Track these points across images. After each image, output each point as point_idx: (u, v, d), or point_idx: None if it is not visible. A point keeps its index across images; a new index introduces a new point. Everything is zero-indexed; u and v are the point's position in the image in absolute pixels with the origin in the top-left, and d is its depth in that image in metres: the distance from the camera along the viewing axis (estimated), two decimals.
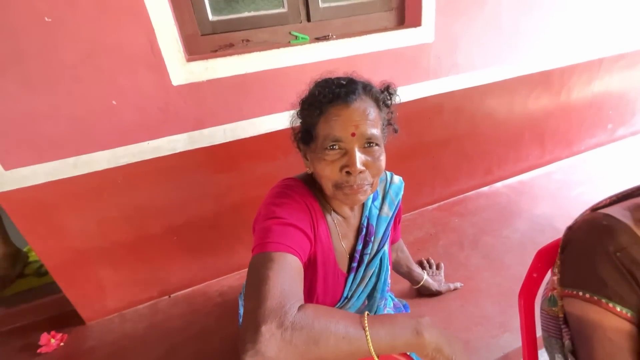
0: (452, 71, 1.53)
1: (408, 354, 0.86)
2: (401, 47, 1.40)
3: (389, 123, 0.75)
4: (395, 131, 0.77)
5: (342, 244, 0.80)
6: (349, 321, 0.51)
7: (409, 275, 1.23)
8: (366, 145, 0.66)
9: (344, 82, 0.68)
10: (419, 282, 1.24)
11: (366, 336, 0.50)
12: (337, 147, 0.65)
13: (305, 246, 0.66)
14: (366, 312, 0.55)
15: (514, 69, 1.67)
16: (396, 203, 0.88)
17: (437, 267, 1.40)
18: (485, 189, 1.94)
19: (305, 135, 0.71)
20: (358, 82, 0.69)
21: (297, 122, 0.75)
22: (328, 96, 0.66)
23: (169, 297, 1.46)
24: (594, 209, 0.70)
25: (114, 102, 1.08)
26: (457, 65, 1.52)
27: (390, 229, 0.86)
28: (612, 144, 2.25)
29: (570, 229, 0.70)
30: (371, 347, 0.50)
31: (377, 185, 0.71)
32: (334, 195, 0.68)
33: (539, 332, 0.87)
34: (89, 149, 1.11)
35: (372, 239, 0.83)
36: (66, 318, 1.38)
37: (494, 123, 1.79)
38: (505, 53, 1.61)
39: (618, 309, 0.57)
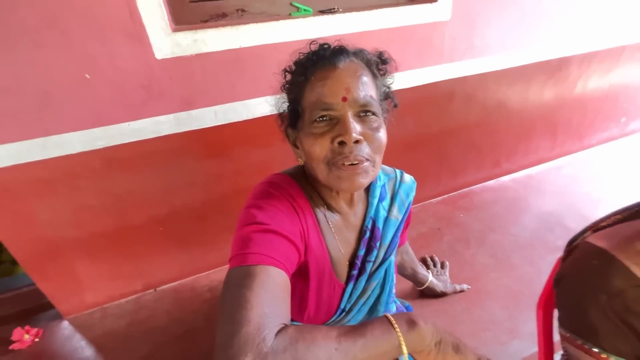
0: (467, 54, 1.40)
1: None
2: (413, 25, 1.26)
3: (386, 96, 0.64)
4: (395, 106, 0.67)
5: (340, 248, 0.69)
6: (338, 331, 0.44)
7: (413, 278, 1.14)
8: (361, 114, 0.56)
9: (330, 45, 0.60)
10: (423, 284, 1.15)
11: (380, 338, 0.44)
12: (327, 117, 0.55)
13: (293, 256, 0.56)
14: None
15: (532, 54, 1.55)
16: (406, 205, 0.77)
17: (442, 266, 1.32)
18: (492, 182, 1.85)
19: (292, 115, 0.61)
20: (346, 46, 0.60)
21: (284, 107, 0.65)
22: (312, 59, 0.57)
23: (155, 290, 1.37)
24: (595, 229, 0.63)
25: (87, 76, 0.94)
26: (473, 48, 1.39)
27: (399, 235, 0.76)
28: (623, 139, 2.16)
29: (569, 251, 0.64)
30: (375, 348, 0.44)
31: (380, 166, 0.60)
32: (329, 179, 0.57)
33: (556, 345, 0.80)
34: (60, 129, 0.98)
35: (378, 244, 0.72)
36: (42, 311, 1.28)
37: (506, 113, 1.67)
38: (524, 36, 1.48)
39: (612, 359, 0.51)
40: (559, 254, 1.44)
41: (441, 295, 1.20)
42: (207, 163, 1.21)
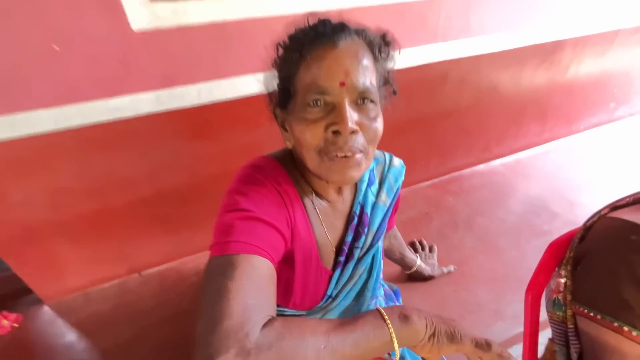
0: (462, 34, 1.35)
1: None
2: (408, 2, 1.20)
3: (386, 82, 0.61)
4: (394, 93, 0.63)
5: (328, 235, 0.67)
6: (327, 326, 0.42)
7: (401, 262, 1.14)
8: (359, 102, 0.52)
9: (331, 20, 0.54)
10: (411, 268, 1.16)
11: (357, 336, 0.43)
12: (321, 102, 0.51)
13: (278, 244, 0.54)
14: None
15: (528, 36, 1.51)
16: (395, 190, 0.75)
17: (430, 250, 1.32)
18: (481, 166, 1.85)
19: (283, 94, 0.57)
20: (348, 23, 0.55)
21: (274, 84, 0.60)
22: (310, 34, 0.52)
23: (139, 274, 1.34)
24: (614, 207, 0.60)
25: (55, 48, 0.87)
26: (468, 28, 1.35)
27: (387, 220, 0.74)
28: (611, 124, 2.18)
29: (586, 229, 0.62)
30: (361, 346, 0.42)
31: (372, 157, 0.58)
32: (319, 169, 0.54)
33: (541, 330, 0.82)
34: (29, 105, 0.91)
35: (366, 230, 0.71)
36: (21, 296, 1.24)
37: (498, 96, 1.65)
38: (521, 17, 1.44)
39: None
40: (545, 238, 1.46)
41: (429, 278, 1.21)
42: (193, 144, 1.16)
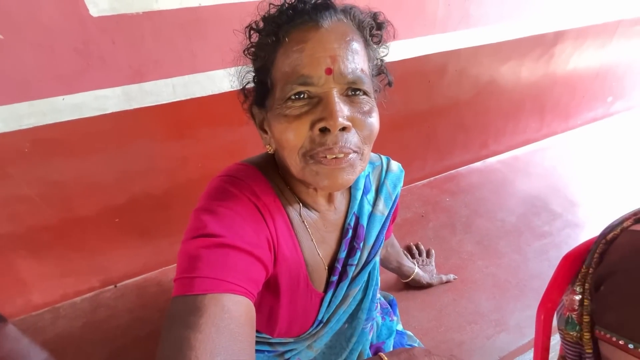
0: (462, 24, 1.26)
1: None
2: None
3: (380, 71, 0.53)
4: (390, 84, 0.55)
5: (318, 252, 0.59)
6: None
7: (398, 271, 1.06)
8: (350, 93, 0.45)
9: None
10: (409, 277, 1.08)
11: None
12: (304, 95, 0.43)
13: (258, 275, 0.45)
14: None
15: (529, 26, 1.43)
16: (393, 198, 0.67)
17: (428, 255, 1.25)
18: (478, 164, 1.78)
19: (259, 88, 0.49)
20: (333, 1, 0.46)
21: (248, 77, 0.52)
22: (287, 13, 0.44)
23: (115, 286, 1.23)
24: (638, 218, 0.55)
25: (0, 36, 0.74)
26: (468, 17, 1.25)
27: (384, 232, 0.66)
28: (607, 119, 2.14)
29: (607, 243, 0.56)
30: None
31: (368, 159, 0.49)
32: (304, 174, 0.46)
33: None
34: None
35: (361, 245, 0.62)
36: None
37: (497, 90, 1.58)
38: (522, 6, 1.36)
39: None
40: (546, 240, 1.39)
41: (427, 286, 1.14)
42: (168, 145, 1.05)
